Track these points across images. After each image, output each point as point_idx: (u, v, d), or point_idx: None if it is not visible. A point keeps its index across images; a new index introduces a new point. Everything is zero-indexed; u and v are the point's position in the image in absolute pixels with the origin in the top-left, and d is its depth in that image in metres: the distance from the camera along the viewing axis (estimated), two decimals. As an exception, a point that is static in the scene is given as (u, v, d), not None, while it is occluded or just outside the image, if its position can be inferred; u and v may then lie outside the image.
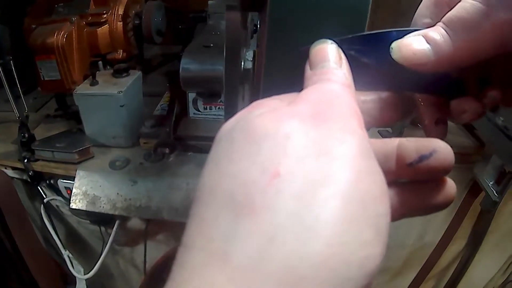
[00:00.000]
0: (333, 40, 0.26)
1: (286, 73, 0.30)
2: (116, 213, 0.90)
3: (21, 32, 1.12)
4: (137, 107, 1.00)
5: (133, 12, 1.07)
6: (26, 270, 1.10)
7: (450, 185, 0.24)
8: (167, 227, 1.01)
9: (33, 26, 1.05)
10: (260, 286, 0.16)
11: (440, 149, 0.23)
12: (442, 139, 0.24)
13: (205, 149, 0.95)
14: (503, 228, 1.11)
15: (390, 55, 0.26)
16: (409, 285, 1.27)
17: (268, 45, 0.30)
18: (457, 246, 1.16)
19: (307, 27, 0.28)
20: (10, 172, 1.05)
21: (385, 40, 0.26)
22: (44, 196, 1.05)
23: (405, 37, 0.26)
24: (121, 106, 0.93)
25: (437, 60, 0.25)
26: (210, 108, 0.94)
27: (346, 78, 0.24)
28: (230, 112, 0.59)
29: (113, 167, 0.94)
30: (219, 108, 0.93)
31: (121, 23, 1.04)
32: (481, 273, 1.20)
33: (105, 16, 1.04)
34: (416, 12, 0.30)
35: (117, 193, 0.90)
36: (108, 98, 0.93)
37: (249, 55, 0.75)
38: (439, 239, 1.16)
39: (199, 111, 0.95)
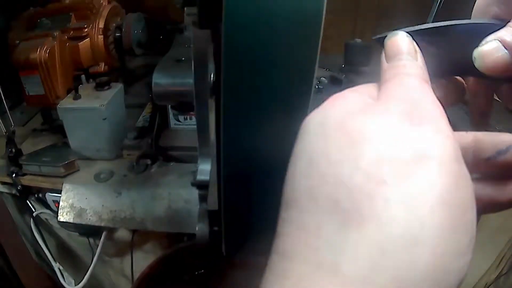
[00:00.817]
0: (407, 32, 0.26)
1: (243, 86, 0.32)
2: (102, 224, 0.94)
3: (5, 46, 1.17)
4: (119, 120, 1.05)
5: (114, 25, 1.11)
6: (18, 283, 1.14)
7: None
8: (152, 237, 1.05)
9: (17, 41, 1.09)
10: None
11: None
12: (486, 129, 0.26)
13: (186, 159, 1.00)
14: (493, 225, 1.14)
15: (451, 42, 0.27)
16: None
17: (224, 60, 0.32)
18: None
19: (261, 42, 0.30)
20: None
21: (456, 32, 0.27)
22: (33, 210, 1.09)
23: (484, 44, 0.26)
24: (103, 119, 0.97)
25: None
26: (191, 118, 0.98)
27: (423, 71, 0.24)
28: (202, 124, 0.63)
29: (98, 180, 0.98)
30: (196, 120, 0.97)
31: (102, 36, 1.08)
32: (472, 270, 1.22)
33: (86, 30, 1.08)
34: (477, 3, 0.29)
35: (102, 205, 0.95)
36: (91, 112, 0.97)
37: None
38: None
39: (179, 121, 0.99)
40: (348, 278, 0.16)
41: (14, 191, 1.09)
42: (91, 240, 1.08)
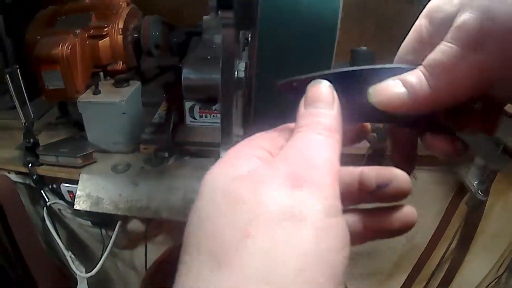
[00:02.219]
0: (323, 77, 0.29)
1: (273, 80, 0.39)
2: (119, 213, 1.02)
3: (22, 42, 1.24)
4: (137, 115, 1.13)
5: (132, 26, 1.20)
6: (27, 272, 1.19)
7: (409, 211, 0.28)
8: (165, 228, 1.12)
9: (38, 37, 1.16)
10: None
11: (396, 179, 0.26)
12: (409, 173, 0.28)
13: (200, 154, 1.08)
14: (492, 229, 1.21)
15: (367, 97, 0.29)
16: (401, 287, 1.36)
17: (258, 56, 0.40)
18: (447, 247, 1.25)
19: (288, 43, 0.38)
20: (13, 177, 1.15)
21: (362, 77, 0.30)
22: (47, 200, 1.15)
23: (383, 82, 0.29)
24: (123, 113, 1.06)
25: (413, 103, 0.28)
26: (206, 116, 1.07)
27: (335, 122, 0.27)
28: (226, 115, 0.71)
29: (115, 171, 1.06)
30: (213, 116, 1.06)
31: (121, 36, 1.16)
32: (473, 273, 1.29)
33: (106, 29, 1.16)
34: (401, 48, 0.33)
35: (120, 195, 1.02)
36: (111, 106, 1.06)
37: (242, 66, 0.88)
38: (428, 240, 1.25)
39: (195, 118, 1.08)
40: None
41: (28, 181, 1.16)
42: (103, 231, 1.15)
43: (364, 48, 1.22)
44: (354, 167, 0.28)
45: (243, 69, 0.83)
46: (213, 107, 1.03)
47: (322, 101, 0.28)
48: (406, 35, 0.33)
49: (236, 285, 0.20)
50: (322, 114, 0.27)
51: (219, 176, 0.26)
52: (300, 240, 0.21)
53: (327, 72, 0.30)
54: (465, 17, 0.27)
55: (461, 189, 1.16)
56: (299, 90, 0.30)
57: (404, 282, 1.36)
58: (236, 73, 0.70)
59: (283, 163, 0.25)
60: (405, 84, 0.28)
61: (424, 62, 0.28)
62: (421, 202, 1.20)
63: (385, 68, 0.30)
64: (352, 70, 0.30)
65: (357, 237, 0.28)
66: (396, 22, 1.34)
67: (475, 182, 1.09)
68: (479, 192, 1.07)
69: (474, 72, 0.27)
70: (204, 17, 1.02)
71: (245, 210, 0.23)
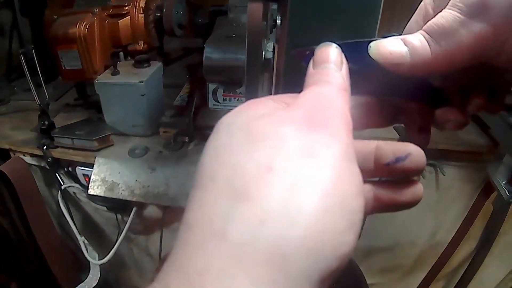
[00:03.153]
0: (338, 44, 0.29)
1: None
2: (134, 199, 0.95)
3: (40, 23, 1.18)
4: (157, 97, 1.05)
5: (154, 5, 1.12)
6: (39, 255, 1.15)
7: (419, 187, 0.28)
8: (183, 215, 1.06)
9: (55, 16, 1.10)
10: (252, 259, 0.19)
11: (414, 153, 0.26)
12: (424, 146, 0.27)
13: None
14: (509, 236, 1.14)
15: (374, 61, 0.28)
16: (419, 284, 1.30)
17: (288, 35, 0.34)
18: (469, 246, 1.19)
19: (324, 20, 0.32)
20: (28, 159, 1.10)
21: (368, 47, 0.29)
22: (62, 183, 1.09)
23: (385, 39, 0.29)
24: (142, 95, 0.98)
25: (413, 62, 0.28)
26: (230, 100, 0.99)
27: (344, 81, 0.27)
28: (252, 98, 0.63)
29: (132, 155, 0.99)
30: (238, 99, 0.98)
31: (143, 15, 1.09)
32: (491, 274, 1.22)
33: (126, 8, 1.09)
34: (407, 26, 0.32)
35: (136, 180, 0.95)
36: (129, 88, 0.98)
37: (270, 46, 0.80)
38: (451, 238, 1.19)
39: (218, 102, 1.00)
40: (233, 243, 0.19)
41: (43, 164, 1.10)
42: (119, 216, 1.08)
43: (396, 34, 1.13)
44: (370, 140, 0.28)
45: (271, 50, 0.75)
46: (238, 91, 0.94)
47: (331, 62, 0.28)
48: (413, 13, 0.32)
49: (256, 219, 0.20)
50: (330, 73, 0.27)
51: (237, 116, 0.25)
52: (321, 179, 0.21)
53: (336, 42, 0.29)
54: None
55: (487, 188, 1.09)
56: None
57: (424, 279, 1.30)
58: (263, 53, 0.63)
59: (299, 108, 0.24)
60: (406, 43, 0.28)
61: (425, 26, 0.28)
62: (447, 197, 1.14)
63: (393, 35, 0.29)
64: (360, 41, 0.29)
65: (366, 207, 0.26)
66: (409, 9, 1.26)
67: (503, 182, 1.02)
68: (507, 192, 1.00)
69: (474, 39, 0.27)
70: (230, -5, 0.95)
71: (266, 145, 0.22)
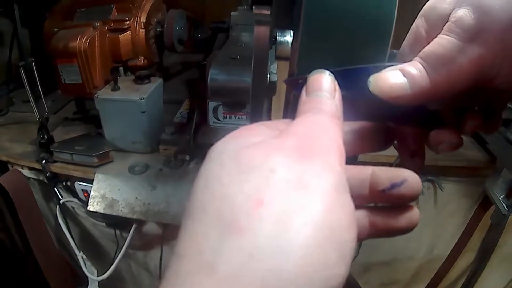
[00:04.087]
0: (331, 71, 0.28)
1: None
2: (134, 217, 0.92)
3: (40, 35, 1.15)
4: (157, 114, 1.03)
5: (155, 20, 1.10)
6: (37, 269, 1.12)
7: (415, 212, 0.27)
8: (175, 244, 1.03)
9: (55, 29, 1.08)
10: None
11: (410, 179, 0.25)
12: (417, 171, 0.26)
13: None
14: (510, 245, 1.13)
15: (368, 88, 0.28)
16: (418, 298, 1.30)
17: (299, 60, 0.33)
18: (466, 259, 1.18)
19: (338, 44, 0.31)
20: (26, 172, 1.08)
21: (362, 75, 0.28)
22: (60, 198, 1.06)
23: (383, 71, 0.28)
24: (142, 112, 0.96)
25: (413, 93, 0.27)
26: (230, 118, 0.96)
27: (336, 109, 0.26)
28: (256, 119, 0.62)
29: (132, 172, 0.96)
30: (238, 117, 0.95)
31: (143, 30, 1.06)
32: (490, 286, 1.20)
33: (127, 23, 1.07)
34: (400, 50, 0.32)
35: (136, 197, 0.93)
36: (130, 104, 0.96)
37: (274, 68, 0.78)
38: (449, 252, 1.18)
39: (219, 119, 0.97)
40: (221, 275, 0.19)
41: (41, 177, 1.08)
42: (118, 232, 1.06)
43: (395, 51, 1.12)
44: (365, 166, 0.27)
45: (275, 71, 0.72)
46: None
47: (323, 90, 0.27)
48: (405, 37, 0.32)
49: (245, 252, 0.19)
50: (323, 101, 0.26)
51: (229, 143, 0.24)
52: (311, 212, 0.20)
53: (330, 70, 0.28)
54: (461, 12, 0.26)
55: (485, 202, 1.08)
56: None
57: (422, 293, 1.27)
58: (268, 76, 0.61)
59: (290, 136, 0.24)
60: (404, 74, 0.27)
61: (421, 54, 0.28)
62: (445, 212, 1.13)
63: (388, 66, 0.28)
64: (354, 68, 0.29)
65: (362, 233, 0.27)
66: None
67: (501, 196, 1.01)
68: (505, 206, 0.99)
69: (472, 63, 0.26)
70: (232, 13, 0.93)
71: (257, 176, 0.21)
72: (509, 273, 1.20)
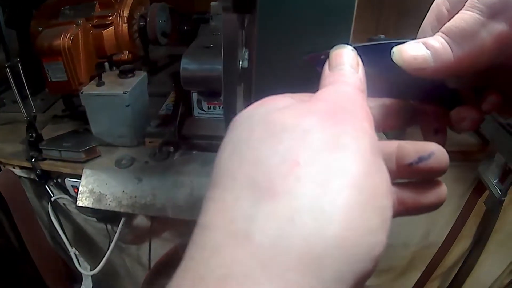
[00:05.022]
0: (353, 47, 0.28)
1: (277, 72, 0.33)
2: (122, 210, 0.94)
3: (28, 34, 1.17)
4: (142, 107, 1.05)
5: (138, 14, 1.11)
6: (33, 267, 1.14)
7: (443, 188, 0.27)
8: (171, 224, 1.05)
9: (40, 28, 1.10)
10: (281, 263, 0.17)
11: (437, 152, 0.25)
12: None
13: (209, 148, 0.99)
14: (508, 227, 1.13)
15: (392, 60, 0.28)
16: (414, 285, 1.29)
17: (258, 45, 0.33)
18: (462, 245, 1.18)
19: (295, 27, 0.31)
20: (18, 171, 1.10)
21: (386, 50, 0.28)
22: (52, 195, 1.09)
23: (406, 43, 0.28)
24: (126, 106, 0.97)
25: (436, 66, 0.27)
26: (214, 108, 0.98)
27: (361, 82, 0.26)
28: (229, 110, 0.62)
29: (119, 166, 0.98)
30: (222, 107, 0.97)
31: (126, 25, 1.08)
32: (486, 272, 1.22)
33: (110, 18, 1.08)
34: (420, 29, 0.32)
35: (123, 191, 0.94)
36: (114, 98, 0.97)
37: (246, 54, 0.79)
38: (444, 238, 1.18)
39: (203, 110, 0.99)
40: (257, 245, 0.18)
41: (32, 176, 1.10)
42: (109, 226, 1.08)
43: (382, 36, 1.12)
44: (391, 140, 0.27)
45: (247, 58, 0.73)
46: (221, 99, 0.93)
47: (346, 63, 0.27)
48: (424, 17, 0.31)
49: (284, 217, 0.18)
50: (347, 74, 0.26)
51: (256, 109, 0.24)
52: (352, 173, 0.20)
53: (354, 45, 0.29)
54: None
55: (479, 187, 1.08)
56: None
57: (418, 279, 1.29)
58: (240, 62, 0.62)
59: (321, 102, 0.23)
60: (427, 46, 0.27)
61: (443, 29, 0.28)
62: None
63: (404, 40, 0.29)
64: (376, 44, 0.29)
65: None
66: (415, 10, 1.25)
67: (495, 181, 1.01)
68: (498, 191, 0.99)
69: (495, 40, 0.26)
70: (212, 3, 0.94)
71: (290, 138, 0.20)
72: (507, 258, 1.20)
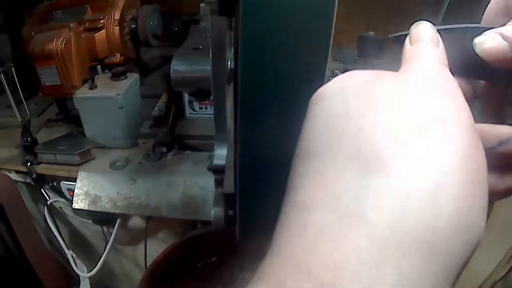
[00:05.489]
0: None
1: (261, 74, 0.34)
2: (117, 211, 0.97)
3: (20, 39, 1.19)
4: (135, 109, 1.07)
5: (129, 16, 1.14)
6: (31, 271, 1.17)
7: None
8: (166, 224, 1.07)
9: (33, 33, 1.12)
10: (400, 246, 0.16)
11: None
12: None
13: (201, 147, 1.02)
14: (502, 220, 1.15)
15: (473, 49, 0.28)
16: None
17: (242, 46, 0.34)
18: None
19: (277, 30, 0.32)
20: (13, 176, 1.12)
21: (463, 34, 0.29)
22: (48, 198, 1.11)
23: (485, 33, 0.28)
24: (119, 108, 1.00)
25: None
26: (206, 108, 1.00)
27: (443, 57, 0.26)
28: (219, 110, 0.65)
29: (114, 167, 1.00)
30: (213, 106, 0.99)
31: (118, 27, 1.10)
32: (483, 265, 1.23)
33: (102, 21, 1.11)
34: (486, 12, 0.31)
35: (118, 192, 0.97)
36: (107, 101, 1.00)
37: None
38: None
39: (195, 111, 1.01)
40: (374, 225, 0.16)
41: (28, 180, 1.12)
42: (105, 228, 1.10)
43: (372, 33, 1.15)
44: None
45: (238, 58, 0.75)
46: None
47: (428, 38, 0.26)
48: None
49: (401, 194, 0.16)
50: (429, 48, 0.25)
51: (346, 82, 0.22)
52: (460, 147, 0.18)
53: (440, 27, 0.29)
54: None
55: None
56: None
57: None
58: (228, 63, 0.64)
59: (412, 74, 0.22)
60: (504, 37, 0.26)
61: None
62: None
63: (488, 28, 0.28)
64: (453, 28, 0.29)
65: None
66: (405, 7, 1.28)
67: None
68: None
69: None
70: (201, 4, 0.95)
71: (392, 114, 0.19)
72: (502, 250, 1.21)
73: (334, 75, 1.15)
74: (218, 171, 0.61)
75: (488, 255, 1.21)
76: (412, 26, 0.28)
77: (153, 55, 1.34)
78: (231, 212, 0.58)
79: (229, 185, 0.58)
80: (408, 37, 0.28)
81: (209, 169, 0.62)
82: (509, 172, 0.25)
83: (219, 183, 0.61)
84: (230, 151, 0.62)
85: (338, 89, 0.22)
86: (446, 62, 0.26)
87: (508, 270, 1.22)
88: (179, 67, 0.73)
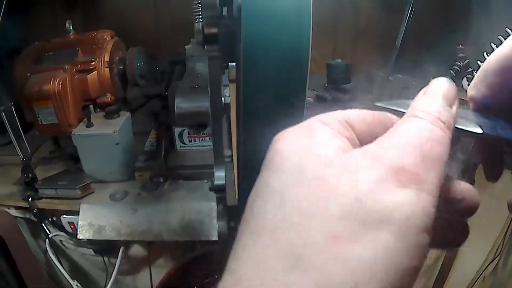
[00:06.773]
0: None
1: (261, 105, 0.46)
2: (122, 238, 1.10)
3: (9, 79, 1.28)
4: (129, 144, 1.22)
5: (117, 58, 1.28)
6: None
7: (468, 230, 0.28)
8: (166, 250, 1.21)
9: (28, 74, 1.23)
10: None
11: (468, 196, 0.26)
12: (496, 179, 0.29)
13: (193, 176, 1.18)
14: (486, 213, 1.18)
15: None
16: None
17: (243, 87, 0.46)
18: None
19: (267, 74, 0.45)
20: (13, 212, 1.22)
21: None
22: (48, 232, 1.22)
23: None
24: (116, 144, 1.14)
25: None
26: (194, 140, 1.17)
27: (452, 120, 0.25)
28: (217, 138, 0.80)
29: (114, 199, 1.14)
30: (202, 139, 1.16)
31: (108, 69, 1.25)
32: (469, 263, 1.32)
33: (93, 63, 1.24)
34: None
35: (120, 221, 1.11)
36: (104, 137, 1.14)
37: (227, 91, 0.98)
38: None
39: (184, 143, 1.18)
40: None
41: (28, 215, 1.22)
42: (106, 259, 1.22)
43: (339, 61, 1.33)
44: None
45: (228, 95, 0.93)
46: (203, 132, 1.12)
47: (444, 96, 0.26)
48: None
49: None
50: (442, 107, 0.25)
51: (307, 154, 0.23)
52: (397, 256, 0.20)
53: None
54: None
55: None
56: None
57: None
58: (223, 99, 0.80)
59: (391, 152, 0.22)
60: None
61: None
62: None
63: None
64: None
65: None
66: (370, 33, 1.45)
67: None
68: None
69: None
70: (186, 47, 1.11)
71: (340, 205, 0.21)
72: (486, 247, 1.29)
73: (306, 102, 1.34)
74: (219, 190, 0.74)
75: (474, 253, 1.31)
76: (433, 79, 0.28)
77: (135, 94, 1.47)
78: (232, 223, 0.73)
79: (231, 199, 0.73)
80: (423, 89, 0.27)
81: (211, 189, 0.76)
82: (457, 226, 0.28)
83: (220, 200, 0.76)
84: (228, 171, 0.75)
85: (298, 163, 0.23)
86: (452, 126, 0.25)
87: (496, 265, 1.27)
88: (182, 104, 0.88)
